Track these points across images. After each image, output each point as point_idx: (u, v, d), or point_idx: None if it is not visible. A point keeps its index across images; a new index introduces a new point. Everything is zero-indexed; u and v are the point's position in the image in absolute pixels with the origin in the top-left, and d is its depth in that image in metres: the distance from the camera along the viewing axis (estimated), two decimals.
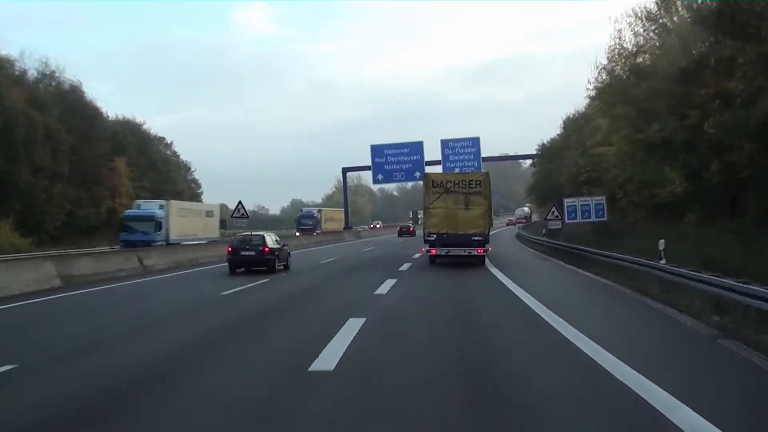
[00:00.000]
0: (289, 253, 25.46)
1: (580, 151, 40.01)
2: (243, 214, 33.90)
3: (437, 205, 23.62)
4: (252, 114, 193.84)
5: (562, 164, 47.31)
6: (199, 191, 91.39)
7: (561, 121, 56.79)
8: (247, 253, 22.67)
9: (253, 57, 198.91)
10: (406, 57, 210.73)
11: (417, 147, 59.80)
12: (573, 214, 34.67)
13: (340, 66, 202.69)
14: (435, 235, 23.72)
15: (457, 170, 58.68)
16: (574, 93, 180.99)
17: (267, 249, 22.76)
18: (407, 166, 59.60)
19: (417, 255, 29.16)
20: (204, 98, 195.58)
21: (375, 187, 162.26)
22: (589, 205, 34.55)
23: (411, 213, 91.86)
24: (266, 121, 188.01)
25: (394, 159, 59.69)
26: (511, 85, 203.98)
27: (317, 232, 62.46)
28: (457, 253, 23.44)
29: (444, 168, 59.19)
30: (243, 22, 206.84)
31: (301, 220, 67.78)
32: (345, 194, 62.83)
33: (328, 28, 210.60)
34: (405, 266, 24.69)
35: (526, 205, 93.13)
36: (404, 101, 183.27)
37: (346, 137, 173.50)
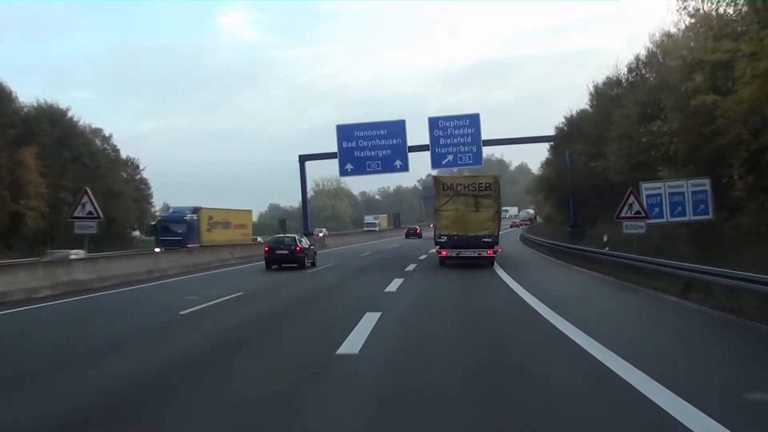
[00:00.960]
0: (315, 252, 28.94)
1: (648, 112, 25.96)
2: (91, 213, 19.63)
3: (448, 208, 24.00)
4: (233, 118, 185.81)
5: (604, 142, 33.29)
6: (148, 192, 79.31)
7: (590, 91, 42.78)
8: (281, 252, 25.67)
9: (234, 62, 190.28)
10: (388, 61, 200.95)
11: (397, 128, 45.55)
12: (657, 210, 20.55)
13: (321, 70, 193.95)
14: (446, 237, 23.96)
15: (450, 157, 44.64)
16: (560, 94, 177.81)
17: (298, 248, 25.92)
18: (385, 152, 45.34)
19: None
20: (185, 103, 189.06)
21: (356, 189, 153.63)
22: (682, 193, 20.43)
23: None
24: (247, 126, 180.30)
25: (367, 144, 45.42)
26: (495, 88, 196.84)
27: (190, 245, 37.37)
28: (468, 255, 23.65)
29: (433, 155, 45.05)
30: (225, 27, 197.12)
31: (163, 227, 42.05)
32: (303, 190, 48.32)
33: (310, 32, 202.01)
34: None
35: (531, 207, 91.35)
36: (386, 105, 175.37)
37: (328, 141, 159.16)
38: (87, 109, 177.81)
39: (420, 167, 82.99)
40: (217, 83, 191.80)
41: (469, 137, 44.79)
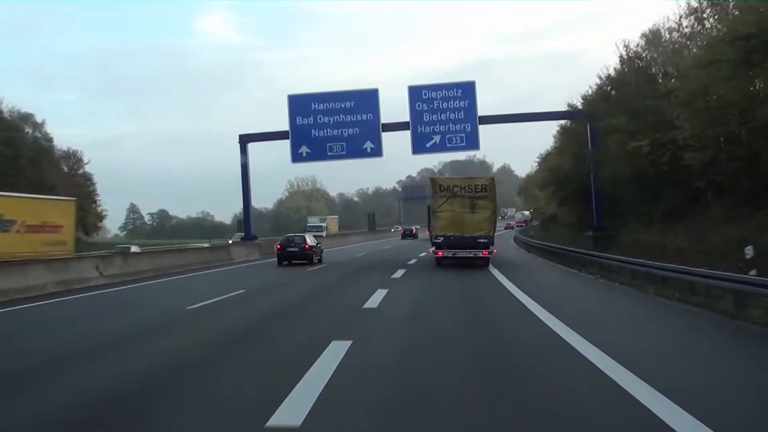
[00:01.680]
0: (322, 249, 30.72)
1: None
2: None
3: (444, 209, 24.13)
4: (211, 122, 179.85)
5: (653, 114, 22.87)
6: (91, 188, 69.62)
7: (620, 54, 32.11)
8: (291, 249, 27.84)
9: (216, 65, 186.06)
10: (368, 64, 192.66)
11: (368, 100, 34.69)
12: None
13: (302, 73, 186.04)
14: (442, 238, 24.11)
15: (436, 139, 34.15)
16: (540, 95, 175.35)
17: (307, 246, 28.16)
18: (352, 131, 34.49)
19: None
20: (166, 105, 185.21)
21: (334, 191, 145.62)
22: None
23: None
24: (225, 129, 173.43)
25: (329, 120, 34.56)
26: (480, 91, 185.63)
27: None
28: (464, 255, 23.83)
29: (415, 136, 34.39)
30: (206, 30, 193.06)
31: None
32: (244, 181, 36.62)
33: (292, 36, 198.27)
34: None
35: (525, 210, 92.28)
36: None
37: None
38: (68, 112, 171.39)
39: (398, 160, 73.93)
40: (198, 85, 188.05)
41: (462, 112, 34.05)
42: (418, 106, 34.21)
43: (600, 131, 31.72)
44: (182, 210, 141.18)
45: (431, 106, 34.13)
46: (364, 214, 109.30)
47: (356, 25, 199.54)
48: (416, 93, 34.40)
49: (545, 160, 48.64)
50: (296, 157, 35.05)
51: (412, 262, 28.44)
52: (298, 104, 34.94)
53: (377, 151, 34.73)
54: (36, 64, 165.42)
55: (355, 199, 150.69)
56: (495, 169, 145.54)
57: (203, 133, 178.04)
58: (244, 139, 36.29)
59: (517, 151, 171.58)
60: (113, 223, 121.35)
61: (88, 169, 69.40)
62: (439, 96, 34.22)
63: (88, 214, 62.17)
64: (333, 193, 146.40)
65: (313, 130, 34.59)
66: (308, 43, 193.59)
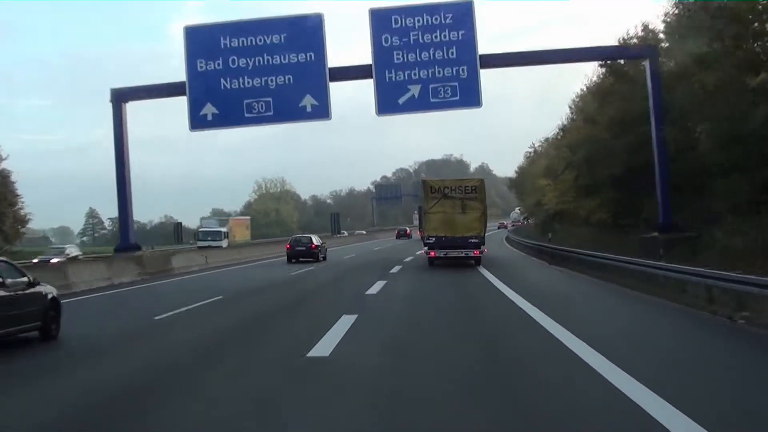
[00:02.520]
0: (326, 248, 32.61)
1: None
2: None
3: (436, 210, 24.27)
4: (176, 128, 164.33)
5: None
6: (7, 191, 56.75)
7: None
8: (299, 248, 30.19)
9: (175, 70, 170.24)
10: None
11: (308, 31, 22.23)
12: None
13: None
14: (434, 238, 24.36)
15: (414, 90, 21.51)
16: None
17: (313, 245, 30.23)
18: (282, 81, 22.13)
19: None
20: (137, 110, 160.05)
21: (306, 193, 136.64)
22: None
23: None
24: (189, 136, 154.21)
25: (246, 64, 22.15)
26: None
27: None
28: (455, 255, 24.31)
29: (381, 86, 22.13)
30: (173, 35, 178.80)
31: None
32: (119, 160, 23.39)
33: None
34: None
35: (518, 208, 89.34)
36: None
37: (267, 149, 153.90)
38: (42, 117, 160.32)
39: (373, 161, 61.99)
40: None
41: (453, 49, 21.83)
42: (386, 39, 21.91)
43: (674, 75, 19.73)
44: (145, 215, 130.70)
45: (406, 39, 21.87)
46: (341, 216, 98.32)
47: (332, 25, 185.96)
48: (382, 20, 22.09)
49: (566, 134, 36.32)
50: (197, 122, 22.42)
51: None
52: (200, 41, 22.44)
53: (322, 111, 22.46)
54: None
55: (329, 201, 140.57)
56: (472, 168, 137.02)
57: (173, 137, 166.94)
58: (119, 97, 23.39)
59: (499, 149, 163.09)
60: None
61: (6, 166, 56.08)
62: (418, 24, 21.95)
63: (5, 219, 50.51)
64: (305, 195, 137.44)
65: (222, 80, 22.11)
66: None
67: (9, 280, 8.88)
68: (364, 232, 79.77)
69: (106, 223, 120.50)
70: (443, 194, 24.16)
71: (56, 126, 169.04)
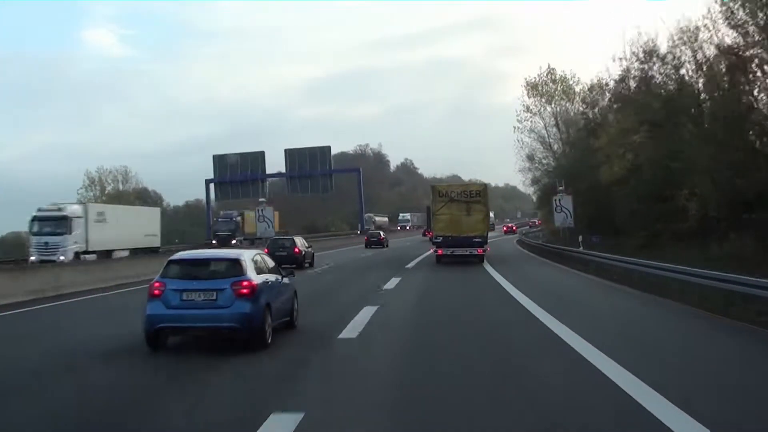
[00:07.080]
0: (313, 253, 30.15)
1: None
2: None
3: (443, 212, 26.86)
4: (98, 134, 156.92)
5: None
6: None
7: None
8: (279, 253, 24.61)
9: (99, 76, 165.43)
10: (253, 73, 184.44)
11: None
12: None
13: (188, 85, 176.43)
14: (441, 238, 26.90)
15: None
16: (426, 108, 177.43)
17: (297, 250, 27.51)
18: None
19: None
20: (46, 117, 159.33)
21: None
22: None
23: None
24: (114, 141, 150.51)
25: None
26: (355, 100, 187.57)
27: None
28: (461, 253, 26.60)
29: None
30: (90, 41, 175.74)
31: None
32: None
33: (177, 48, 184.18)
34: None
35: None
36: (251, 116, 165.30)
37: (198, 154, 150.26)
38: None
39: None
40: (82, 96, 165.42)
41: None
42: None
43: None
44: None
45: None
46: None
47: (237, 40, 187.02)
48: None
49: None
50: None
51: None
52: None
53: None
54: None
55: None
56: (393, 166, 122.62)
57: (91, 143, 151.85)
58: None
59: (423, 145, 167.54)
60: None
61: None
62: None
63: None
64: None
65: None
66: (197, 57, 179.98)
67: None
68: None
69: None
70: (450, 198, 27.16)
71: None
